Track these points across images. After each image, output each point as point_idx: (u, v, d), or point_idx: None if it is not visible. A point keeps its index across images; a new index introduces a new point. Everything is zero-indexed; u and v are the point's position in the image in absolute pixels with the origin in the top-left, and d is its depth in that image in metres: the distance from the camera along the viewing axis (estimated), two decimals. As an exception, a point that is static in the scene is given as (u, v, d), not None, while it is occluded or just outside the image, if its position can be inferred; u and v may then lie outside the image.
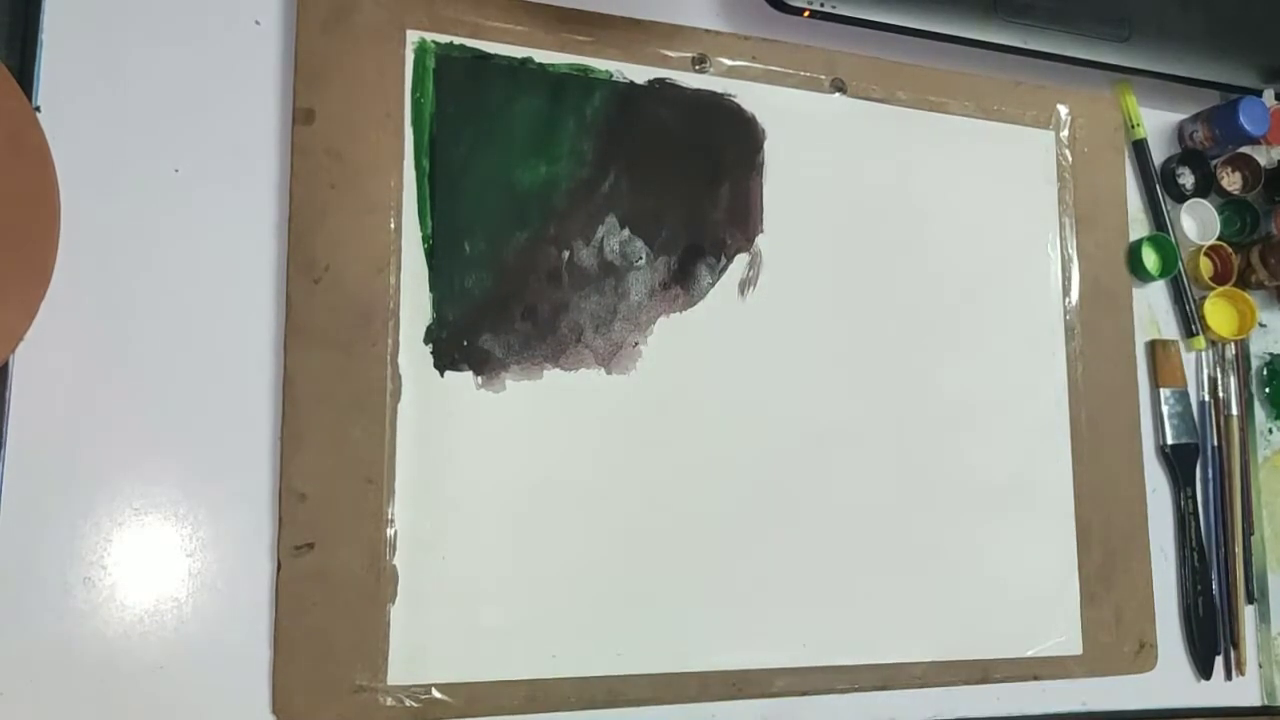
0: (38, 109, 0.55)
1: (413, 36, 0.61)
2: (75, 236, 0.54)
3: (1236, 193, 0.82)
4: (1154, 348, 0.78)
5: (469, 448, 0.60)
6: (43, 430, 0.54)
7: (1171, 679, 0.74)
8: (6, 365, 0.53)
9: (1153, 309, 0.79)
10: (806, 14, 0.68)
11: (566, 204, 0.64)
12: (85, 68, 0.57)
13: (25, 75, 0.55)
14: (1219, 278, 0.81)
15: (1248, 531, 0.78)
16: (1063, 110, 0.77)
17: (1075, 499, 0.73)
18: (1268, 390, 0.82)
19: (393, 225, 0.60)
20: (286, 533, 0.56)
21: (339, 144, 0.59)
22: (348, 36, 0.60)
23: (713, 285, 0.66)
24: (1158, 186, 0.80)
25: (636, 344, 0.64)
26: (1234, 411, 0.79)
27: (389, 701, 0.56)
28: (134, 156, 0.57)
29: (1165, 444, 0.77)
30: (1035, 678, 0.69)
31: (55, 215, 0.53)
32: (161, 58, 0.58)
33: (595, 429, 0.62)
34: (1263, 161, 0.81)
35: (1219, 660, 0.76)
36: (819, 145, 0.70)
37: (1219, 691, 0.76)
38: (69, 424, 0.54)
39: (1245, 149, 0.81)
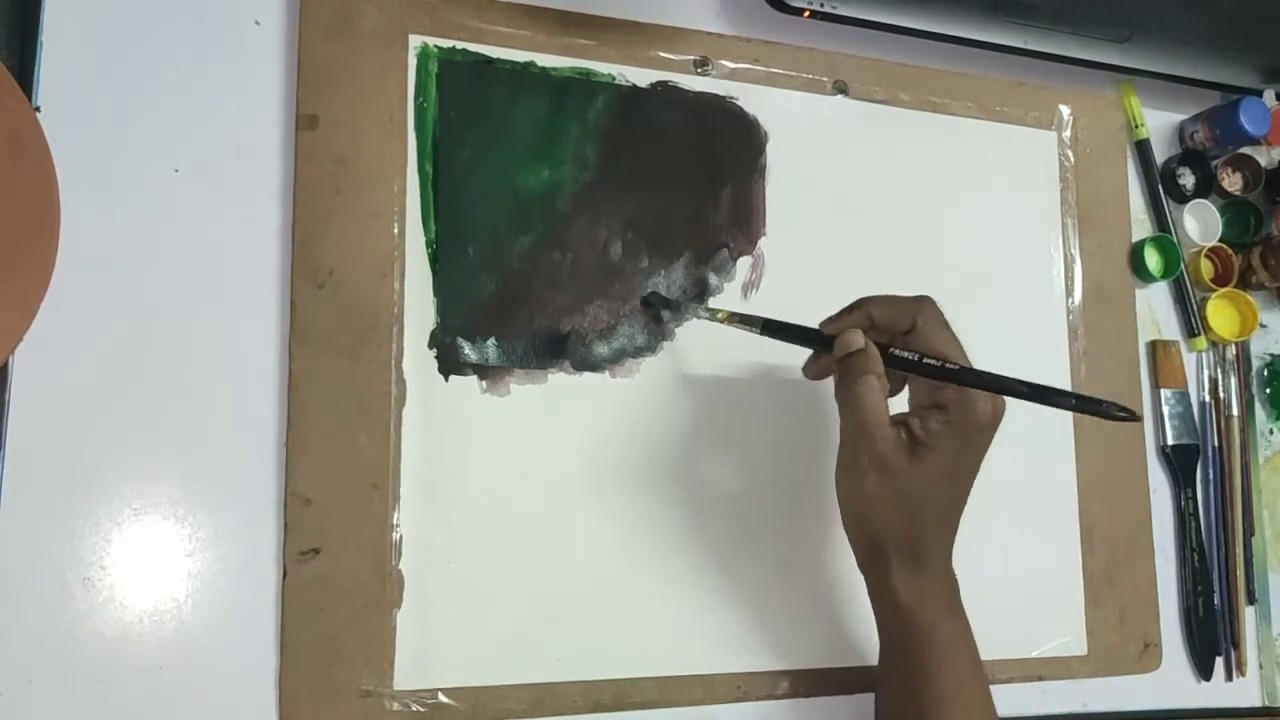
0: (38, 109, 0.55)
1: (415, 41, 0.61)
2: (75, 237, 0.54)
3: (1237, 193, 0.82)
4: (1154, 348, 0.78)
5: (474, 452, 0.60)
6: (43, 430, 0.53)
7: (1172, 680, 0.74)
8: (6, 365, 0.53)
9: (1153, 309, 0.80)
10: (806, 14, 0.68)
11: (569, 207, 0.63)
12: (85, 68, 0.57)
13: (25, 75, 0.55)
14: (1220, 279, 0.81)
15: (1248, 532, 0.78)
16: (1065, 111, 0.77)
17: (1079, 499, 0.73)
18: (1268, 391, 0.82)
19: (396, 230, 0.60)
20: (292, 538, 0.55)
21: (343, 149, 0.59)
22: (350, 42, 0.60)
23: (716, 288, 0.66)
24: (1160, 187, 0.80)
25: (641, 348, 0.63)
26: (1234, 412, 0.80)
27: (395, 706, 0.56)
28: (134, 157, 0.57)
29: (1166, 444, 0.77)
30: (1040, 678, 0.69)
31: (55, 215, 0.53)
32: (161, 58, 0.58)
33: (600, 432, 0.62)
34: (1263, 162, 0.81)
35: (1219, 661, 0.76)
36: (821, 147, 0.70)
37: (1219, 692, 0.76)
38: (69, 424, 0.54)
39: (1246, 149, 0.81)
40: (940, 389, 0.53)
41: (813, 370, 0.57)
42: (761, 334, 0.58)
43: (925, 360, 0.53)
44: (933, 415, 0.53)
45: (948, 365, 0.52)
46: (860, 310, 0.54)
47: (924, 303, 0.54)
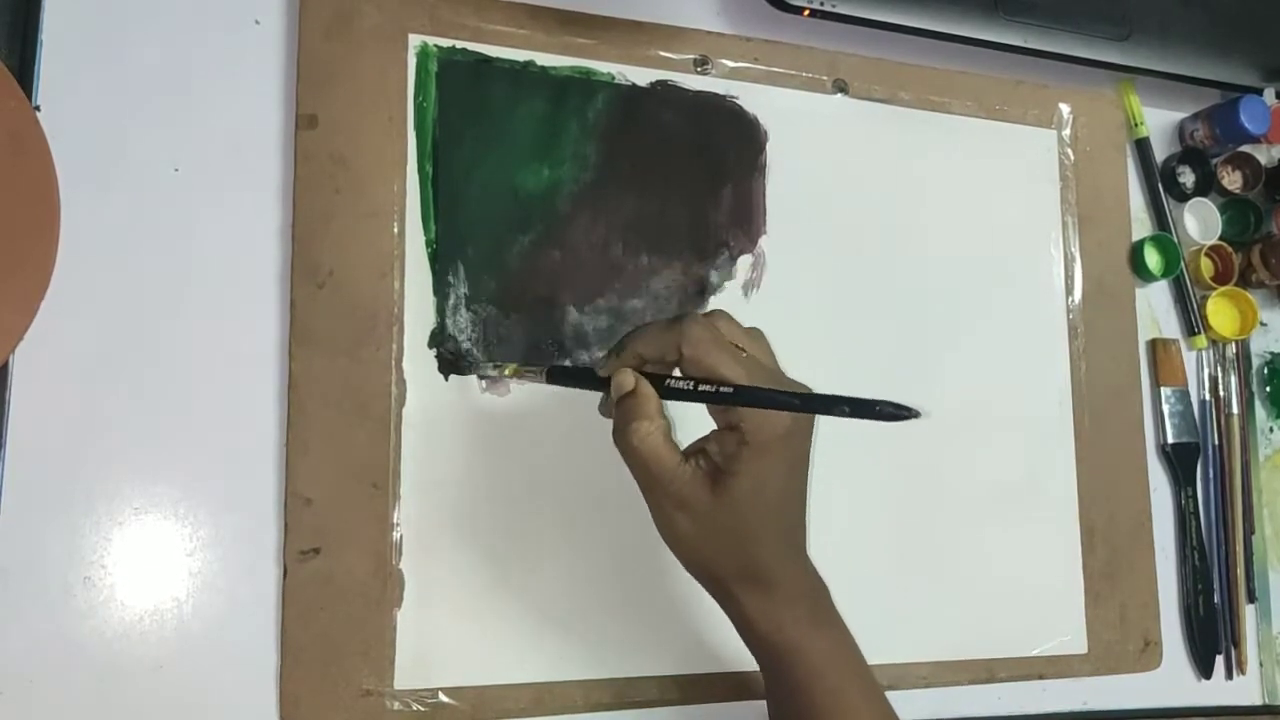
0: (38, 109, 0.55)
1: (415, 40, 0.61)
2: (75, 236, 0.54)
3: (1237, 191, 0.82)
4: (1154, 347, 0.78)
5: (474, 451, 0.60)
6: (43, 430, 0.53)
7: (1172, 678, 0.74)
8: (6, 365, 0.53)
9: (1153, 308, 0.80)
10: (806, 13, 0.68)
11: (569, 207, 0.63)
12: (85, 68, 0.57)
13: (25, 75, 0.55)
14: (1220, 277, 0.81)
15: (1248, 530, 0.78)
16: (1064, 109, 0.77)
17: (1079, 497, 0.73)
18: (1268, 389, 0.82)
19: (396, 230, 0.60)
20: (292, 537, 0.56)
21: (342, 149, 0.59)
22: (350, 41, 0.60)
23: (716, 287, 0.66)
24: (1160, 186, 0.80)
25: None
26: (1235, 410, 0.80)
27: (396, 705, 0.56)
28: (134, 156, 0.57)
29: (1166, 443, 0.77)
30: (1040, 677, 0.70)
31: (55, 215, 0.53)
32: (161, 57, 0.58)
33: (600, 432, 0.62)
34: (1263, 160, 0.81)
35: (1219, 659, 0.76)
36: (821, 146, 0.70)
37: (1219, 691, 0.76)
38: (69, 424, 0.54)
39: (1246, 148, 0.81)
40: (729, 409, 0.49)
41: (607, 409, 0.53)
42: (548, 382, 0.56)
43: (700, 388, 0.49)
44: (728, 437, 0.49)
45: (721, 390, 0.48)
46: (628, 350, 0.51)
47: (687, 324, 0.50)
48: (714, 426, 0.51)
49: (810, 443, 0.51)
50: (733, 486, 0.48)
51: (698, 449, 0.50)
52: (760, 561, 0.50)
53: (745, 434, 0.48)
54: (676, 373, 0.50)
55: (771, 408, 0.48)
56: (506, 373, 0.59)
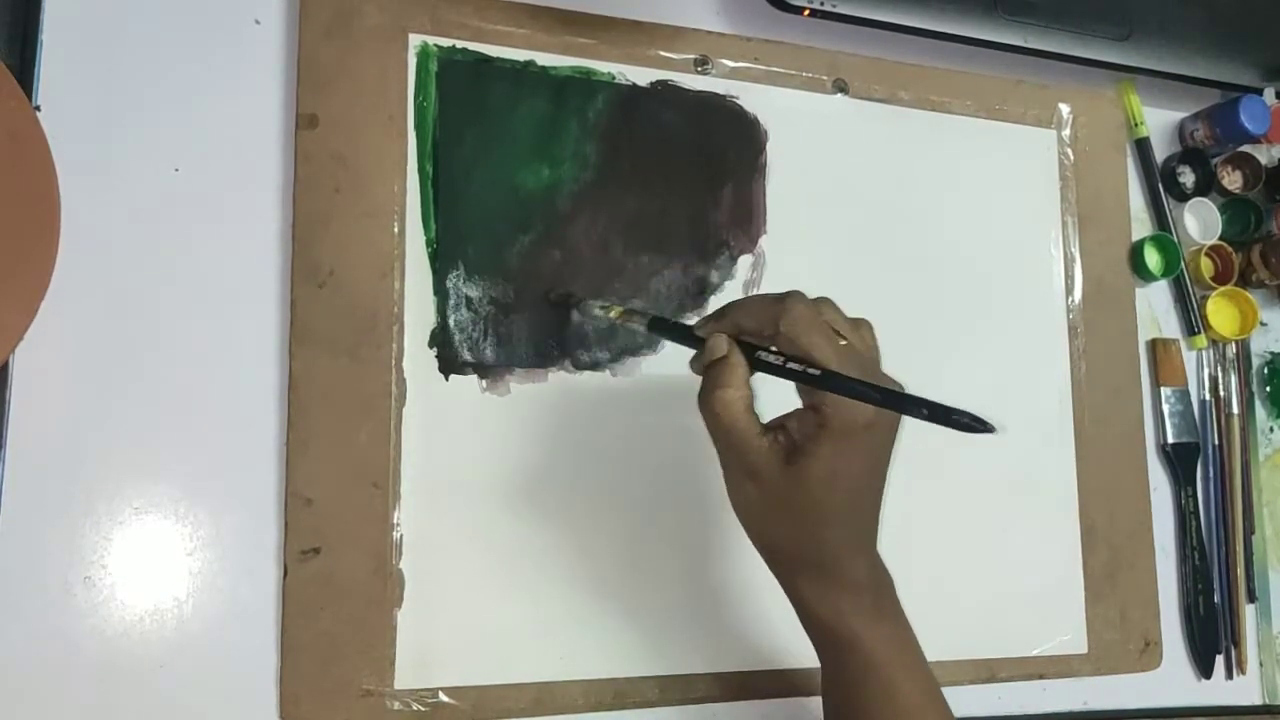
0: (38, 109, 0.55)
1: (415, 40, 0.61)
2: (76, 236, 0.54)
3: (1237, 191, 0.82)
4: (1154, 346, 0.78)
5: (474, 451, 0.60)
6: (43, 430, 0.53)
7: (1172, 678, 0.74)
8: (6, 365, 0.53)
9: (1153, 307, 0.80)
10: (806, 13, 0.68)
11: (569, 206, 0.63)
12: (85, 68, 0.57)
13: (25, 75, 0.55)
14: (1220, 277, 0.81)
15: (1248, 530, 0.78)
16: (1064, 109, 0.77)
17: (1079, 497, 0.73)
18: (1268, 389, 0.82)
19: (396, 229, 0.60)
20: (293, 537, 0.56)
21: (343, 149, 0.59)
22: (350, 41, 0.60)
23: (717, 287, 0.66)
24: (1160, 186, 0.80)
25: (641, 347, 0.63)
26: (1235, 410, 0.80)
27: (396, 705, 0.56)
28: (134, 156, 0.57)
29: (1166, 443, 0.77)
30: (1040, 677, 0.70)
31: (55, 215, 0.52)
32: (161, 57, 0.58)
33: (601, 431, 0.62)
34: (1263, 160, 0.81)
35: (1219, 659, 0.76)
36: (821, 146, 0.70)
37: (1219, 690, 0.76)
38: (69, 424, 0.54)
39: (1246, 147, 0.81)
40: (815, 390, 0.49)
41: (699, 367, 0.53)
42: (648, 331, 0.57)
43: (789, 365, 0.49)
44: (809, 417, 0.49)
45: (809, 370, 0.48)
46: (728, 317, 0.51)
47: (788, 302, 0.50)
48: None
49: (892, 440, 0.51)
50: (805, 466, 0.48)
51: (779, 425, 0.50)
52: (825, 547, 0.50)
53: (826, 417, 0.48)
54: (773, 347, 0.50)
55: (852, 396, 0.48)
56: (612, 315, 0.59)
